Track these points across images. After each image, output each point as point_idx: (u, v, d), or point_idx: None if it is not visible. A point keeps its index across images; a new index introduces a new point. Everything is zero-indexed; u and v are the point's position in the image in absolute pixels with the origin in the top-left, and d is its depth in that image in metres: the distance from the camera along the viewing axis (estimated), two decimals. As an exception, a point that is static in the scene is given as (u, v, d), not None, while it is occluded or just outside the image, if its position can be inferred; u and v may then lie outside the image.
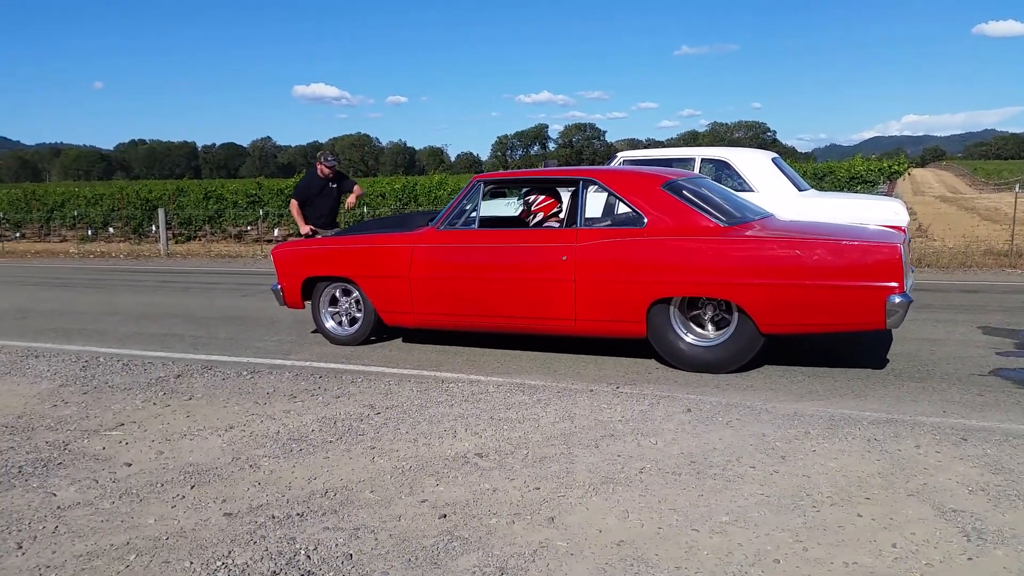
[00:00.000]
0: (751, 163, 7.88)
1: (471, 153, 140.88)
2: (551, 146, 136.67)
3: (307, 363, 5.42)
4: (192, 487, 3.19)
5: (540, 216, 5.68)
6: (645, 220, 4.80)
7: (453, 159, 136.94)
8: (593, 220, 5.51)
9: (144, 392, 4.67)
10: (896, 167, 14.53)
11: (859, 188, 14.01)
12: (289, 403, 4.38)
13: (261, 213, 18.32)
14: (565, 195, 5.93)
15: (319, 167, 7.43)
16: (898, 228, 4.96)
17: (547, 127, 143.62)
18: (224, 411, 4.26)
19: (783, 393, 4.35)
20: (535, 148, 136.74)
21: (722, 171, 8.02)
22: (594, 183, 5.23)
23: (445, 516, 2.83)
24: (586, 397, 4.31)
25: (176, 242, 18.52)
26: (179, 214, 19.49)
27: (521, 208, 5.91)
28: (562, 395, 4.37)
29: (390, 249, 5.52)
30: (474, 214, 5.41)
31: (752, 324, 4.54)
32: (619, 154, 8.94)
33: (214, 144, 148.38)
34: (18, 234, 22.35)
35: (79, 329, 7.07)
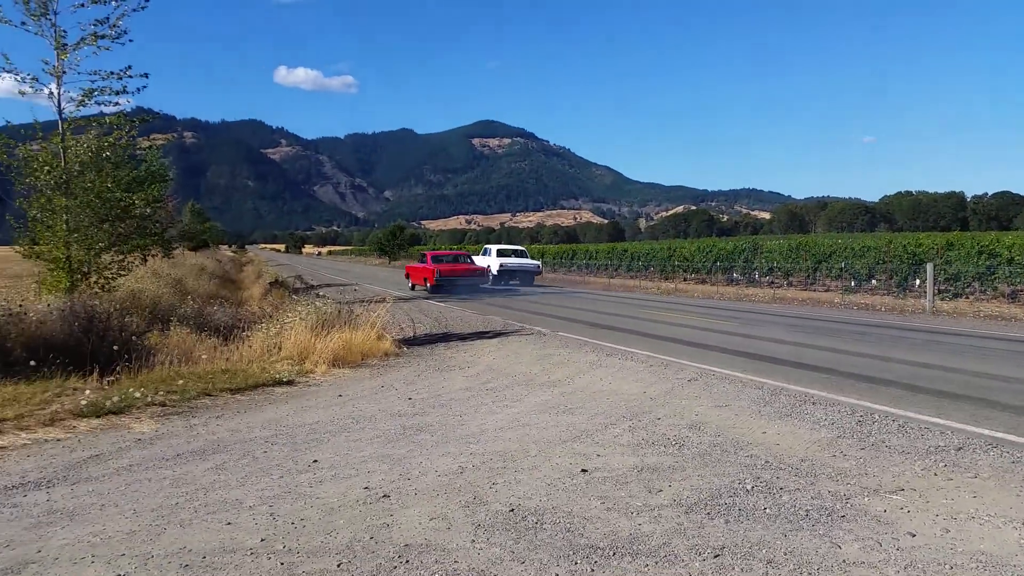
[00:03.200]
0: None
1: None
2: None
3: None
4: (985, 582, 2.89)
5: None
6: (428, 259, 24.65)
7: None
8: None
9: (922, 459, 4.49)
10: None
11: None
12: (1103, 509, 3.61)
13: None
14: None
15: None
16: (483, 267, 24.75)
17: None
18: (1017, 500, 3.77)
19: None
20: None
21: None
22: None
23: None
24: None
25: (941, 299, 17.71)
26: (946, 269, 18.59)
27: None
28: None
29: (418, 267, 24.85)
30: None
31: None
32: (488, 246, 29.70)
33: (985, 193, 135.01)
34: (786, 282, 24.69)
35: (851, 384, 7.29)
